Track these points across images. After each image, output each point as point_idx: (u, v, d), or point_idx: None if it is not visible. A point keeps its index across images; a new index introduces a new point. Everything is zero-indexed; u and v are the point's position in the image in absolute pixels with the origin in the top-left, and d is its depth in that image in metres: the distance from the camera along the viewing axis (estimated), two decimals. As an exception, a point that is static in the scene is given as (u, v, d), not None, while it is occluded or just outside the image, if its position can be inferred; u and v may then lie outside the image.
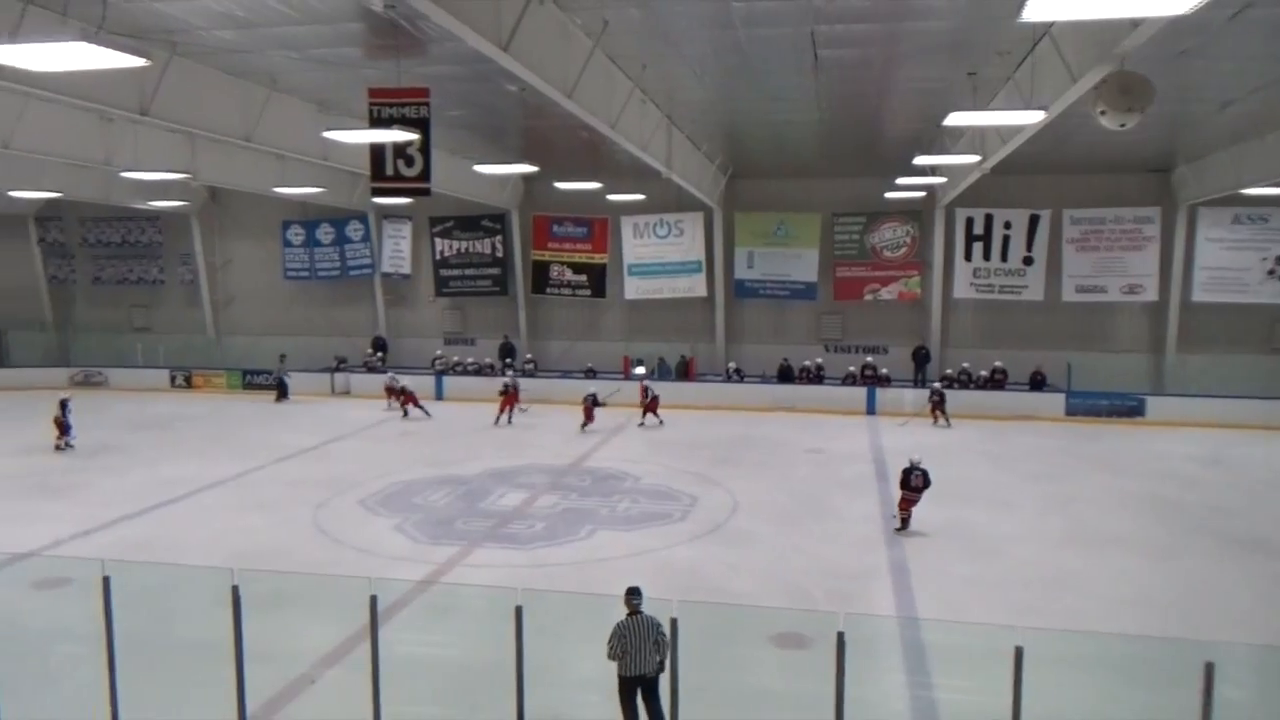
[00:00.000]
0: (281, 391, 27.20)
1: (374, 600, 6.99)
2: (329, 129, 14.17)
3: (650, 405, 23.21)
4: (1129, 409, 23.93)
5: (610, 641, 7.45)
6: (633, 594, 7.68)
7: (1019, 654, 5.95)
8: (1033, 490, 16.66)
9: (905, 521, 14.06)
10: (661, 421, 22.96)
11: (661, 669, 7.33)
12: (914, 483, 14.03)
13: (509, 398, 23.44)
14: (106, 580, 7.37)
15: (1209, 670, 5.75)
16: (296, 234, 30.95)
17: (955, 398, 24.56)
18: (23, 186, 23.50)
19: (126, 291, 33.04)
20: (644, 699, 7.52)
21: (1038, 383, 25.24)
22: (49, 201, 29.93)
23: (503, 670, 7.22)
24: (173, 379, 29.24)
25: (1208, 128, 19.14)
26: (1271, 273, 25.24)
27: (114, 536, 13.71)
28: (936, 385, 24.16)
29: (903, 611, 10.86)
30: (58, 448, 19.72)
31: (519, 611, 6.77)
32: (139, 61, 9.03)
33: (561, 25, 11.64)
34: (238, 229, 31.83)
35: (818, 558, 12.93)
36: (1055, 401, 24.35)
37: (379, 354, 29.84)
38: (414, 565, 12.45)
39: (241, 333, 31.62)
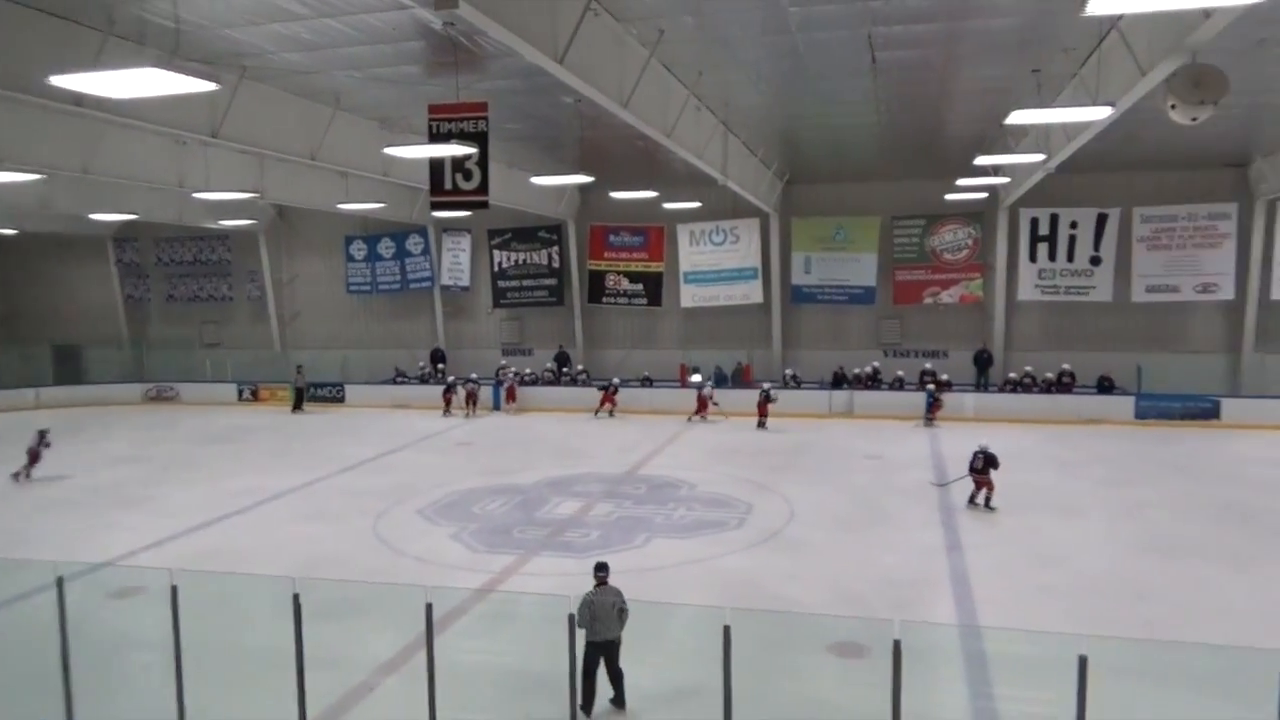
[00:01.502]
0: (298, 401, 27.75)
1: (429, 608, 7.06)
2: (390, 145, 14.44)
3: (760, 409, 23.72)
4: (1203, 411, 23.09)
5: (580, 611, 7.91)
6: (599, 567, 8.70)
7: (1083, 663, 5.75)
8: (1102, 496, 16.17)
9: (986, 501, 15.30)
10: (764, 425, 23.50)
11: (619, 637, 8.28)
12: (975, 464, 15.19)
13: (608, 395, 25.72)
14: (174, 589, 7.57)
15: (1289, 683, 5.49)
16: (359, 249, 31.62)
17: (1020, 401, 24.03)
18: (102, 209, 24.45)
19: (198, 308, 34.12)
20: (607, 663, 8.30)
21: (1106, 386, 24.52)
22: (125, 223, 31.08)
23: (557, 677, 7.23)
24: (240, 393, 30.06)
25: (1285, 120, 18.42)
26: (1356, 269, 24.18)
27: (184, 546, 14.09)
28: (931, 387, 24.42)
29: (964, 620, 10.61)
30: (16, 476, 18.27)
31: (572, 620, 6.77)
32: (210, 86, 9.33)
33: (616, 35, 11.69)
34: (303, 245, 32.66)
35: (876, 565, 12.71)
36: (1124, 405, 23.63)
37: (437, 366, 30.26)
38: (471, 574, 12.55)
39: (306, 346, 32.37)
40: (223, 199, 22.79)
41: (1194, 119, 9.36)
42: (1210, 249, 24.88)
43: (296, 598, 7.27)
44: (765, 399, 23.66)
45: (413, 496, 16.94)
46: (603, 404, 25.84)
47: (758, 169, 23.26)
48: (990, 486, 15.29)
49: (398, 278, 31.38)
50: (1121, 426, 22.84)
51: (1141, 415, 23.34)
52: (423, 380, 29.33)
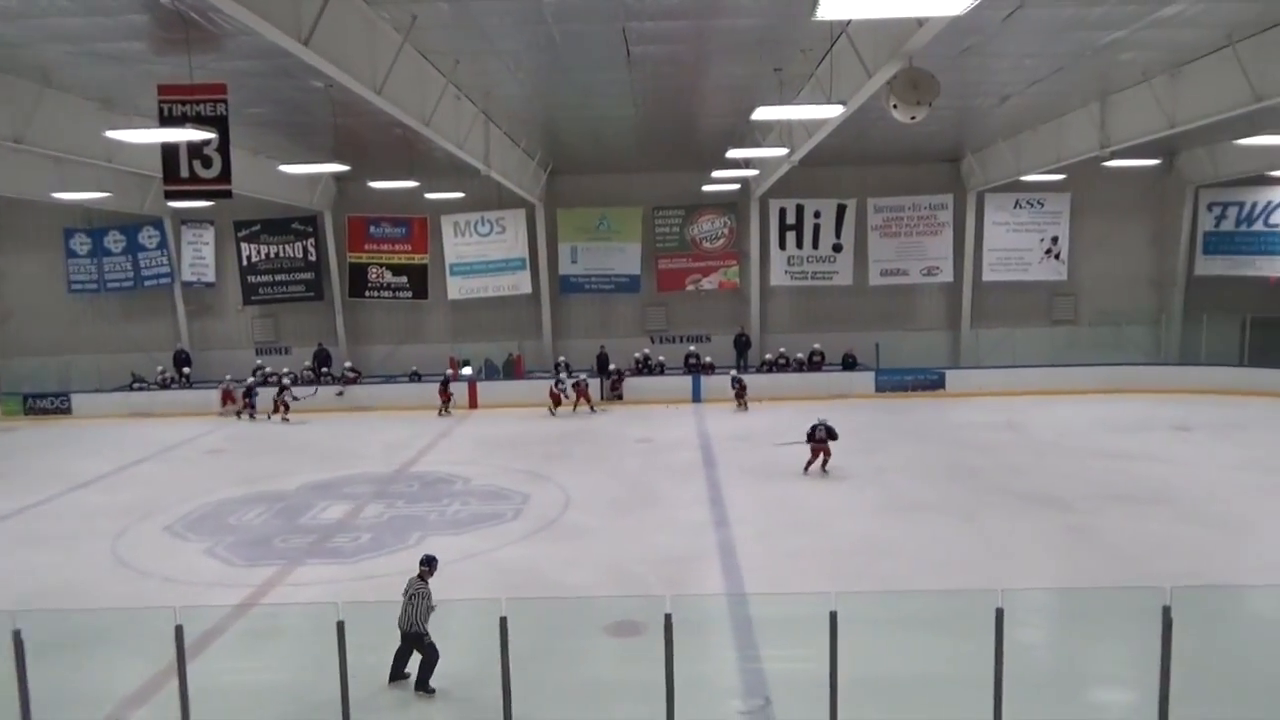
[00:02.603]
0: None
1: (179, 630, 6.53)
2: (113, 129, 13.10)
3: (739, 394, 24.19)
4: (931, 383, 25.68)
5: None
6: (424, 561, 9.19)
7: (833, 618, 6.24)
8: (850, 464, 17.56)
9: (823, 467, 16.75)
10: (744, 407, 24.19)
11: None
12: (818, 434, 16.63)
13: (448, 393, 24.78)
14: None
15: (999, 616, 6.23)
16: (81, 243, 28.43)
17: (776, 380, 25.62)
18: None
19: (-121, 313, 29.38)
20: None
21: (849, 363, 26.66)
22: None
23: (330, 689, 6.91)
24: (-63, 408, 26.24)
25: (990, 120, 20.80)
26: (1049, 252, 27.77)
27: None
28: (735, 373, 25.31)
29: (731, 589, 11.20)
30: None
31: (341, 627, 6.49)
32: None
33: (367, 19, 11.22)
34: (12, 240, 28.83)
35: (650, 545, 13.13)
36: (866, 379, 25.82)
37: (182, 370, 27.86)
38: (229, 590, 11.72)
39: (21, 353, 28.73)
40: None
41: (913, 118, 10.32)
42: (932, 236, 27.66)
43: (18, 634, 6.47)
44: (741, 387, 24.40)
45: (158, 512, 15.54)
46: (563, 402, 24.17)
47: (521, 159, 23.21)
48: (827, 454, 16.72)
49: (130, 275, 28.50)
50: (864, 399, 24.93)
51: (880, 388, 25.60)
52: (164, 385, 26.93)
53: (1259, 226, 26.59)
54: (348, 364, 27.85)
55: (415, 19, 11.47)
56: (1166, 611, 6.37)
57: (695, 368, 26.49)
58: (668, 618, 6.29)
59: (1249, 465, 16.89)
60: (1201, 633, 7.76)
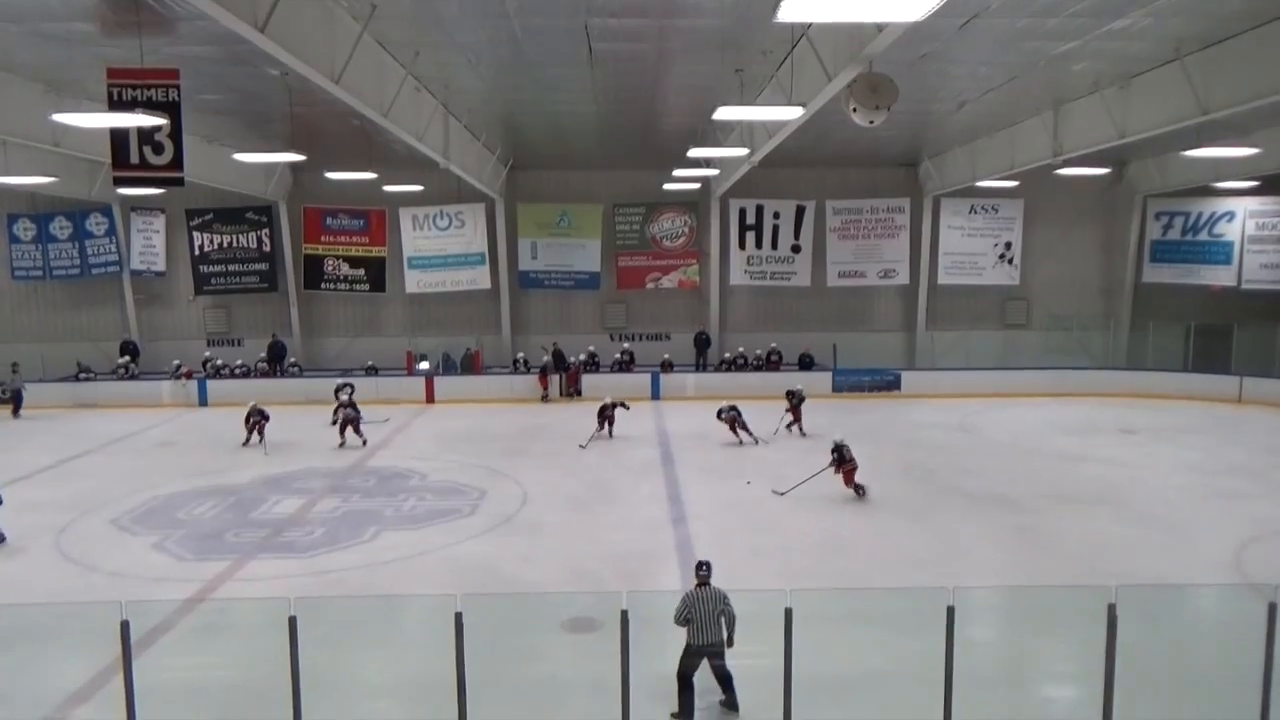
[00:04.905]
0: (16, 404, 24.29)
1: (125, 625, 6.39)
2: (60, 112, 12.77)
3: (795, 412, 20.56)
4: (887, 383, 25.99)
5: (679, 609, 7.75)
6: (701, 565, 8.15)
7: (788, 615, 6.30)
8: (805, 464, 17.67)
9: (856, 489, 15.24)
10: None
11: (730, 643, 7.78)
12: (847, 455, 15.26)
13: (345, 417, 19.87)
14: None
15: (950, 613, 6.33)
16: (26, 229, 27.69)
17: (734, 379, 25.73)
18: None
19: None
20: (712, 668, 7.82)
21: (806, 363, 26.89)
22: None
23: (280, 688, 6.81)
24: None
25: (947, 125, 21.12)
26: (1002, 257, 28.26)
27: None
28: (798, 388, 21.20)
29: (688, 587, 11.22)
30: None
31: (293, 622, 6.40)
32: None
33: (326, 7, 11.08)
34: (-48, 223, 28.05)
35: (607, 542, 13.13)
36: (823, 379, 26.04)
37: (130, 360, 27.26)
38: (178, 585, 11.50)
39: (-38, 341, 27.93)
40: None
41: (871, 121, 10.45)
42: (890, 239, 28.00)
43: (-44, 630, 6.30)
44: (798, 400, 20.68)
45: (104, 506, 15.20)
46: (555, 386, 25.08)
47: (481, 153, 23.06)
48: (852, 472, 15.21)
49: (77, 262, 27.82)
50: (821, 399, 25.06)
51: (838, 388, 25.85)
52: (121, 377, 26.32)
53: (1203, 236, 27.34)
54: (292, 360, 27.52)
55: (375, 8, 11.35)
56: (1112, 609, 6.52)
57: (661, 366, 26.56)
58: (624, 614, 6.30)
59: (1191, 468, 17.35)
60: (1144, 630, 7.95)
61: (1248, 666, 6.86)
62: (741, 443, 19.36)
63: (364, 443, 19.52)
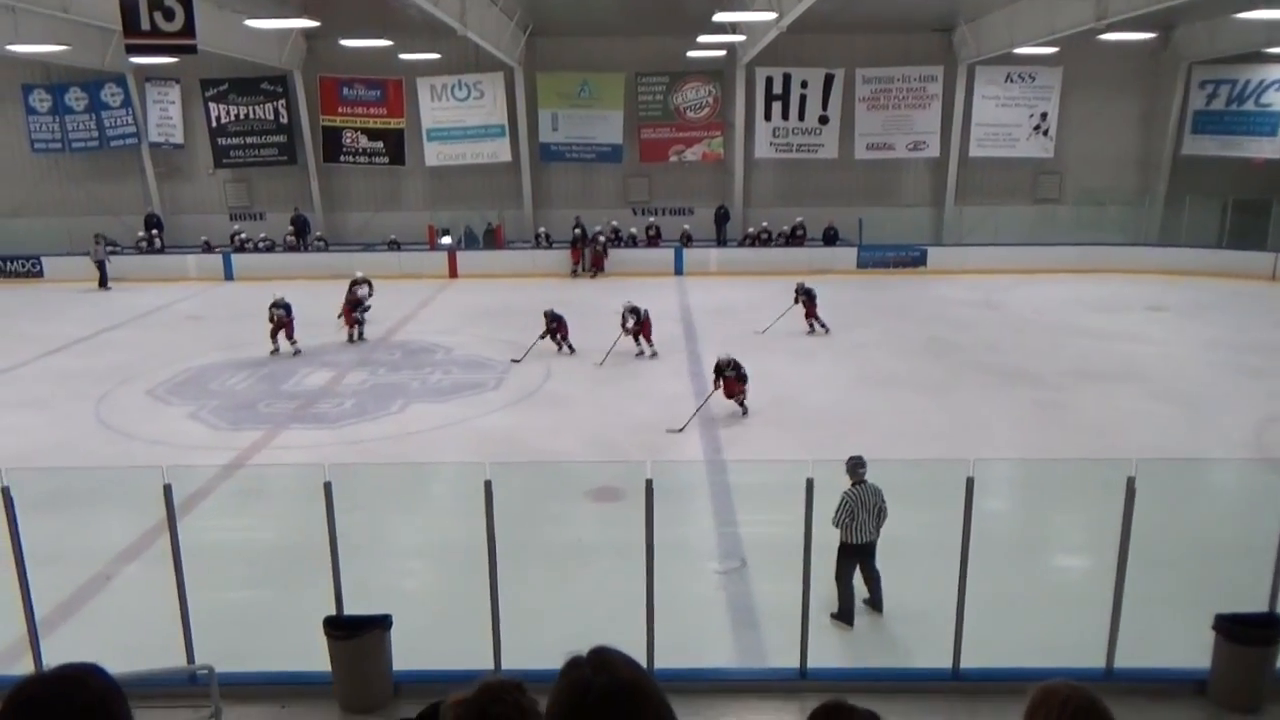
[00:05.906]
0: (103, 275, 24.46)
1: (168, 489, 6.61)
2: (66, -27, 12.40)
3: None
4: (913, 260, 25.68)
5: (838, 510, 7.50)
6: (858, 464, 7.73)
7: (810, 485, 6.41)
8: (829, 339, 17.73)
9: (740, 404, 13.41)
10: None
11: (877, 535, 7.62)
12: (727, 374, 13.09)
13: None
14: None
15: (969, 484, 6.42)
16: (41, 99, 27.28)
17: (758, 255, 25.51)
18: None
19: None
20: (862, 565, 7.72)
21: (830, 238, 26.53)
22: None
23: (317, 549, 7.08)
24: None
25: (985, -14, 20.08)
26: (1037, 128, 27.31)
27: None
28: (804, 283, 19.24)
29: (710, 457, 11.46)
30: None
31: (328, 487, 6.60)
32: None
33: None
34: (-33, 94, 27.70)
35: (631, 415, 13.33)
36: (848, 255, 25.76)
37: (154, 232, 27.33)
38: (215, 452, 11.87)
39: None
40: None
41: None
42: (920, 109, 27.07)
43: (6, 490, 6.54)
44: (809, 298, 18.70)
45: (139, 376, 15.54)
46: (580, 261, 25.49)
47: (499, 19, 22.27)
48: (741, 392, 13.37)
49: (95, 134, 27.49)
50: (846, 275, 24.93)
51: (862, 264, 25.58)
52: (140, 250, 26.48)
53: (1250, 106, 26.19)
54: (318, 234, 27.49)
55: None
56: (1130, 482, 6.57)
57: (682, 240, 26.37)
58: (649, 483, 6.43)
59: (1219, 345, 17.20)
60: (1162, 504, 8.04)
61: (1263, 540, 6.95)
62: (813, 330, 18.14)
63: (296, 352, 17.11)
